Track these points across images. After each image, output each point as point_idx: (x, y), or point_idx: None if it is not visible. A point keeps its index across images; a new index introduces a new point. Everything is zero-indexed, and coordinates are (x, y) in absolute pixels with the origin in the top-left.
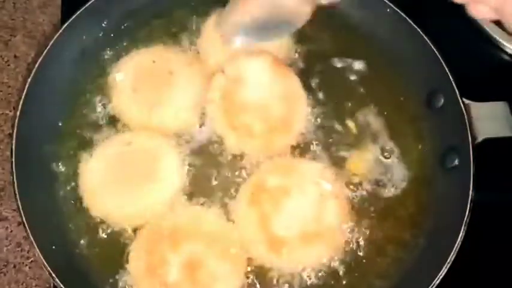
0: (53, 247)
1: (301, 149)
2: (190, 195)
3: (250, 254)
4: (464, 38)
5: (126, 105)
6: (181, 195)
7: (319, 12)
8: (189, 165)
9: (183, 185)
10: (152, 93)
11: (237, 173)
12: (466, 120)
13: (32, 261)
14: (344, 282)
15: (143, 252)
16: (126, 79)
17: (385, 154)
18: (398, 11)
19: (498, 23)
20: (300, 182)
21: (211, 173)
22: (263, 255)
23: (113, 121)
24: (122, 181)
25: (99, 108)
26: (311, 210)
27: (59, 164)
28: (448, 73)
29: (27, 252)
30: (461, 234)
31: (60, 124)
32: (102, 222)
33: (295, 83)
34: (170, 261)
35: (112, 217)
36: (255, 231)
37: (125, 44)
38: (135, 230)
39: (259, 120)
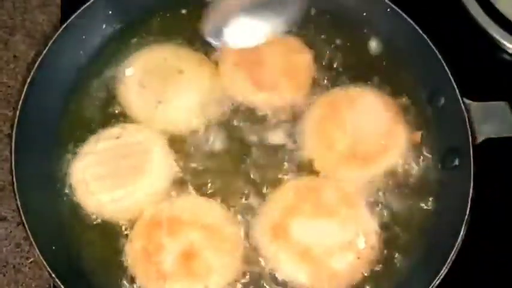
0: (53, 247)
1: None
2: (183, 187)
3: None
4: (464, 38)
5: (132, 100)
6: (174, 186)
7: (318, 13)
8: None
9: (174, 176)
10: (159, 90)
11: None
12: (467, 120)
13: (31, 261)
14: None
15: (140, 238)
16: (136, 74)
17: None
18: (398, 10)
19: (499, 22)
20: (345, 218)
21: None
22: (258, 233)
23: (113, 121)
24: (113, 175)
25: (99, 109)
26: (330, 242)
27: (59, 164)
28: (449, 73)
29: (27, 253)
30: (462, 234)
31: (59, 124)
32: (102, 221)
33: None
34: (167, 249)
35: (104, 211)
36: (276, 213)
37: (125, 43)
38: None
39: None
